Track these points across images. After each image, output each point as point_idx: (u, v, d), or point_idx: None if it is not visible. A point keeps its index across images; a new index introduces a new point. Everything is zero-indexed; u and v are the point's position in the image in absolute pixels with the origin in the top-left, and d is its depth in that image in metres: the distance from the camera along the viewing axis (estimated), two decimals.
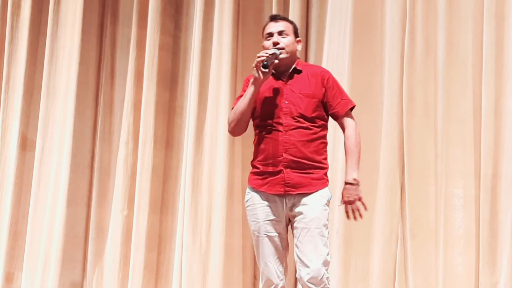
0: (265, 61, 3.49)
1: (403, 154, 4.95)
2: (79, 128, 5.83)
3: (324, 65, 5.20)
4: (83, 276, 5.80)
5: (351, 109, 3.67)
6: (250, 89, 3.56)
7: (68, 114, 5.81)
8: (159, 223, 5.68)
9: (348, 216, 3.55)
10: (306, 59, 5.36)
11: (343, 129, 3.66)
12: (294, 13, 5.28)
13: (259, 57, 3.51)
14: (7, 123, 6.04)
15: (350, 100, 3.69)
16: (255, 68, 3.52)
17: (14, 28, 6.09)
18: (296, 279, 5.12)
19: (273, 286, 3.57)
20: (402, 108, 4.96)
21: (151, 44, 5.71)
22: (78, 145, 5.81)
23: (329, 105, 3.62)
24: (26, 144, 6.02)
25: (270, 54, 3.52)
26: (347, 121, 3.64)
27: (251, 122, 3.70)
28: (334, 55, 5.17)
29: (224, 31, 5.53)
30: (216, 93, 5.53)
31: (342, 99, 3.65)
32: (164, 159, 5.73)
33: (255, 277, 5.51)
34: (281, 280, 3.58)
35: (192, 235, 5.47)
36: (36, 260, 5.78)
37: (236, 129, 3.66)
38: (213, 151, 5.52)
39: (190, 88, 5.67)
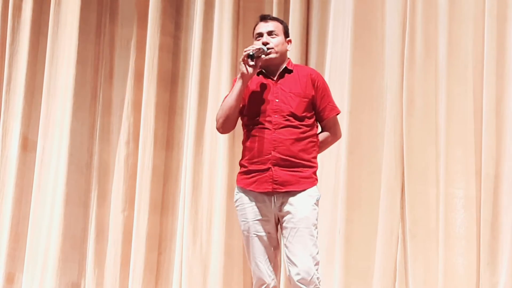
0: (251, 53, 3.49)
1: (403, 155, 4.95)
2: (78, 128, 5.83)
3: (326, 67, 5.22)
4: (83, 277, 5.80)
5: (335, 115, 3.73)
6: (238, 84, 3.56)
7: (66, 114, 5.82)
8: (159, 224, 5.69)
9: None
10: (306, 61, 5.36)
11: (324, 131, 3.73)
12: (295, 14, 5.28)
13: (245, 51, 3.52)
14: (8, 124, 6.04)
15: (337, 107, 3.74)
16: (241, 63, 3.53)
17: (15, 29, 6.09)
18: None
19: (265, 285, 3.55)
20: (402, 109, 4.96)
21: (151, 45, 5.71)
22: (77, 145, 5.81)
23: (316, 107, 3.65)
24: (27, 145, 6.02)
25: (256, 48, 3.53)
26: (329, 128, 3.72)
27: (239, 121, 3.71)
28: (337, 57, 5.17)
29: (224, 31, 5.53)
30: (216, 93, 5.53)
31: (328, 104, 3.69)
32: (164, 160, 5.74)
33: None
34: (273, 279, 3.56)
35: (193, 236, 5.47)
36: (36, 260, 5.78)
37: (224, 125, 3.65)
38: (213, 152, 5.52)
39: (190, 88, 5.67)
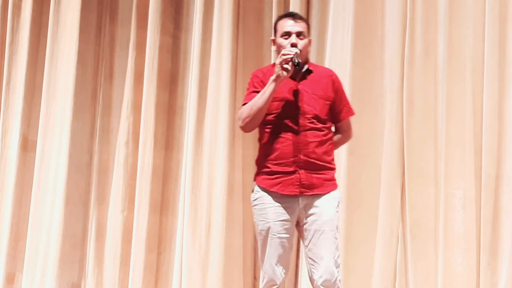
0: (297, 61, 3.43)
1: (403, 155, 4.95)
2: (77, 128, 5.83)
3: (326, 67, 5.21)
4: (83, 277, 5.80)
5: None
6: (270, 87, 3.48)
7: (66, 114, 5.82)
8: (159, 224, 5.68)
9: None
10: None
11: (338, 133, 3.71)
12: None
13: (284, 54, 3.45)
14: (8, 124, 6.04)
15: (352, 109, 3.74)
16: (279, 66, 3.45)
17: (14, 29, 6.09)
18: (296, 279, 5.18)
19: (276, 286, 3.53)
20: (402, 110, 4.96)
21: (151, 45, 5.71)
22: (77, 145, 5.81)
23: (334, 108, 3.63)
24: (27, 145, 6.02)
25: (295, 53, 3.47)
26: (344, 129, 3.72)
27: None
28: (337, 57, 5.17)
29: (224, 31, 5.53)
30: (216, 93, 5.53)
31: (345, 106, 3.68)
32: (164, 160, 5.73)
33: (255, 278, 5.51)
34: (283, 281, 3.55)
35: (192, 236, 5.47)
36: (36, 260, 5.78)
37: (249, 125, 3.58)
38: (213, 152, 5.52)
39: (190, 88, 5.67)
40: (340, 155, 4.96)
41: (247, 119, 3.55)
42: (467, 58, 4.89)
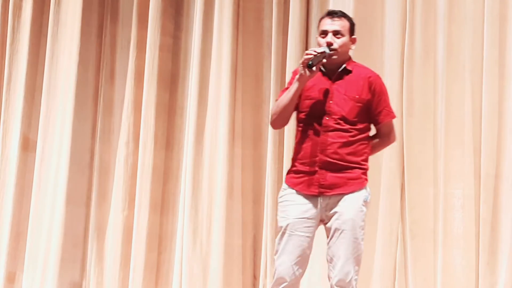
0: (311, 61, 3.41)
1: (403, 156, 4.96)
2: (79, 128, 5.83)
3: None
4: (83, 276, 5.81)
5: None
6: (295, 85, 3.49)
7: (67, 114, 5.82)
8: (159, 223, 5.69)
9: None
10: None
11: (378, 136, 3.67)
12: (294, 15, 5.28)
13: (307, 54, 3.45)
14: (8, 124, 6.04)
15: (392, 112, 3.67)
16: (301, 65, 3.45)
17: (15, 29, 6.10)
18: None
19: (285, 284, 3.45)
20: (402, 110, 4.97)
21: (151, 45, 5.71)
22: (78, 145, 5.82)
23: (372, 111, 3.58)
24: (27, 145, 6.02)
25: (318, 53, 3.44)
26: (384, 132, 3.66)
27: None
28: None
29: (224, 31, 5.53)
30: (216, 93, 5.53)
31: (385, 108, 3.61)
32: (164, 160, 5.74)
33: (255, 277, 5.51)
34: (297, 280, 3.48)
35: (193, 236, 5.47)
36: (37, 260, 5.79)
37: (277, 122, 3.61)
38: (213, 152, 5.52)
39: (190, 88, 5.67)
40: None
41: (274, 116, 3.59)
42: (467, 58, 4.90)
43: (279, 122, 3.61)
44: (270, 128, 5.18)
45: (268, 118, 5.15)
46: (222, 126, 5.46)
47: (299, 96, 3.54)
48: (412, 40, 4.99)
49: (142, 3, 5.85)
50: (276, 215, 3.69)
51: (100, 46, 6.00)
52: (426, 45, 4.99)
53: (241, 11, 5.61)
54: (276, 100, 3.65)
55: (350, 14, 5.02)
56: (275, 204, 4.57)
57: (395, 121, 4.89)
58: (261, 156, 5.51)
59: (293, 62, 5.15)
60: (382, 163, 4.98)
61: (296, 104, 3.56)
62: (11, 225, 5.88)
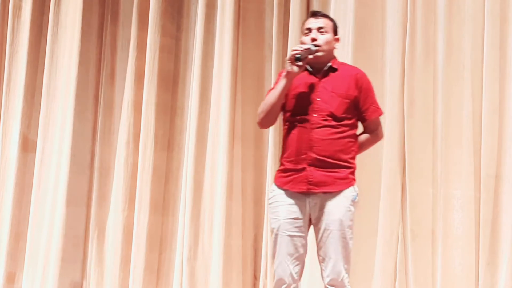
0: (299, 55, 3.45)
1: (404, 156, 4.97)
2: (79, 128, 5.83)
3: None
4: (84, 277, 5.81)
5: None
6: (282, 82, 3.52)
7: (67, 114, 5.82)
8: (160, 224, 5.69)
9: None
10: None
11: (365, 132, 3.69)
12: (295, 16, 5.28)
13: (293, 50, 3.48)
14: (8, 125, 6.04)
15: (380, 109, 3.70)
16: (288, 61, 3.48)
17: (15, 29, 6.09)
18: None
19: (285, 285, 3.50)
20: (403, 111, 4.98)
21: (152, 45, 5.71)
22: (78, 145, 5.81)
23: (359, 107, 3.61)
24: (27, 145, 6.02)
25: (305, 49, 3.49)
26: (371, 129, 3.68)
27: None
28: (338, 57, 5.17)
29: (225, 32, 5.54)
30: (217, 94, 5.54)
31: (372, 105, 3.64)
32: (165, 160, 5.74)
33: (255, 277, 5.52)
34: (296, 281, 3.52)
35: (193, 236, 5.48)
36: (37, 260, 5.79)
37: (264, 120, 3.63)
38: (214, 153, 5.53)
39: (191, 89, 5.68)
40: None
41: (261, 115, 3.61)
42: (467, 58, 4.90)
43: (266, 120, 3.63)
44: (270, 128, 5.19)
45: None
46: (222, 127, 5.46)
47: (286, 95, 3.57)
48: (413, 40, 5.00)
49: (142, 4, 5.85)
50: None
51: (101, 46, 5.99)
52: (427, 45, 5.00)
53: (242, 12, 5.61)
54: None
55: (351, 15, 5.09)
56: None
57: (395, 121, 4.97)
58: (262, 157, 5.51)
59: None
60: (382, 163, 4.99)
61: (282, 103, 3.59)
62: (11, 225, 5.88)
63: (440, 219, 4.85)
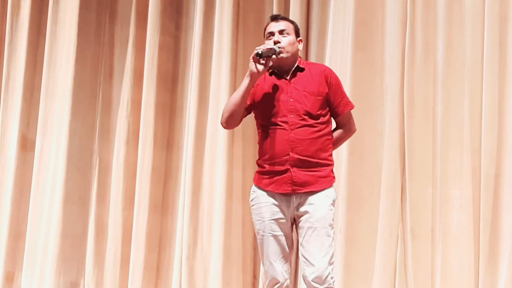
0: (260, 51, 3.48)
1: (404, 156, 4.97)
2: (77, 127, 5.83)
3: None
4: (83, 276, 5.81)
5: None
6: (245, 82, 3.56)
7: (66, 113, 5.81)
8: (159, 223, 5.70)
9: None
10: (306, 61, 5.36)
11: (339, 127, 3.73)
12: (295, 15, 5.28)
13: (256, 49, 3.51)
14: (6, 123, 6.04)
15: (350, 102, 3.73)
16: (251, 60, 3.52)
17: (13, 28, 6.09)
18: (295, 278, 5.19)
19: (278, 284, 3.55)
20: (403, 111, 4.97)
21: (151, 44, 5.71)
22: (76, 144, 5.81)
23: (331, 103, 3.65)
24: (26, 144, 6.02)
25: (268, 48, 3.52)
26: (344, 123, 3.72)
27: (253, 121, 3.71)
28: (338, 57, 5.18)
29: (224, 32, 5.54)
30: (216, 94, 5.54)
31: (342, 100, 3.68)
32: (164, 160, 5.74)
33: (254, 277, 5.52)
34: (286, 279, 3.57)
35: (193, 235, 5.48)
36: (36, 259, 5.78)
37: (228, 121, 3.65)
38: (213, 152, 5.53)
39: (190, 89, 5.68)
40: (341, 155, 4.97)
41: (225, 115, 3.64)
42: (467, 58, 4.90)
43: (230, 120, 3.65)
44: None
45: None
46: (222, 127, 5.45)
47: (259, 100, 3.61)
48: (412, 40, 4.99)
49: (141, 2, 5.85)
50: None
51: (99, 45, 6.00)
52: (427, 45, 5.00)
53: (241, 11, 5.61)
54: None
55: (351, 14, 5.09)
56: None
57: (395, 121, 4.96)
58: None
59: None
60: (382, 163, 4.99)
61: (250, 106, 3.63)
62: (9, 225, 5.88)
63: (440, 219, 4.85)
